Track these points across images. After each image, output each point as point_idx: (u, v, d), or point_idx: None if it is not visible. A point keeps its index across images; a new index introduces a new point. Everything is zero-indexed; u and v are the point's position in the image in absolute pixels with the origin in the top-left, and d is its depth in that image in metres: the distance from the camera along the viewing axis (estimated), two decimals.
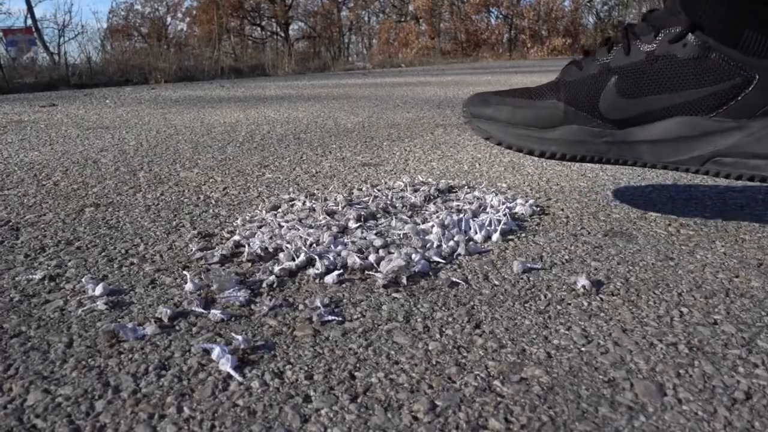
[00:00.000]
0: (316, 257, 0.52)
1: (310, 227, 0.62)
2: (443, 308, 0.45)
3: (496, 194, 0.74)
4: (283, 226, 0.62)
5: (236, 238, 0.59)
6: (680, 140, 0.54)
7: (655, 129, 0.55)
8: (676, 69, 0.53)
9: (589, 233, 0.61)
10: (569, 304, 0.45)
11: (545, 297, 0.47)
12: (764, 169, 0.51)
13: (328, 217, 0.65)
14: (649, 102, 0.55)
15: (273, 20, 19.64)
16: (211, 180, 0.91)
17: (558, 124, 0.59)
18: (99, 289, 0.47)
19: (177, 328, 0.42)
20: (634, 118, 0.56)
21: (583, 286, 0.48)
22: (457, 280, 0.49)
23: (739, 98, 0.51)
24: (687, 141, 0.54)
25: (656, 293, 0.47)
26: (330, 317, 0.43)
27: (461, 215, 0.64)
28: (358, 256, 0.53)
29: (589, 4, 21.02)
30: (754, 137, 0.51)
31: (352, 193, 0.78)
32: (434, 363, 0.37)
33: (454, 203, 0.71)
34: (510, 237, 0.61)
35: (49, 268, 0.54)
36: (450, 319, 0.43)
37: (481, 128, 0.64)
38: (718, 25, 0.52)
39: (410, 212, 0.69)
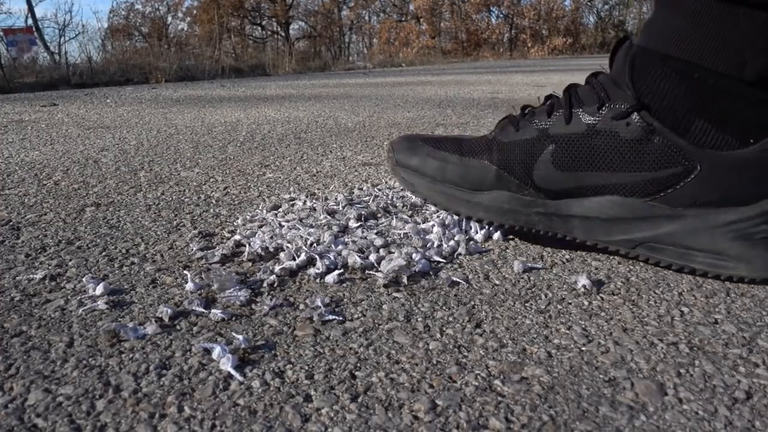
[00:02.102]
0: (317, 257, 0.52)
1: (311, 227, 0.62)
2: (444, 308, 0.45)
3: None
4: (284, 226, 0.62)
5: (237, 237, 0.59)
6: (613, 221, 0.51)
7: (589, 204, 0.52)
8: (617, 148, 0.50)
9: None
10: (570, 303, 0.45)
11: (546, 296, 0.47)
12: (694, 260, 0.49)
13: (328, 217, 0.65)
14: (584, 177, 0.51)
15: (273, 20, 19.64)
16: (211, 179, 0.91)
17: (488, 187, 0.55)
18: (100, 289, 0.47)
19: (178, 327, 0.42)
20: (567, 191, 0.52)
21: (584, 286, 0.48)
22: (458, 280, 0.49)
23: (678, 187, 0.48)
24: (620, 223, 0.51)
25: (657, 292, 0.47)
26: (330, 317, 0.43)
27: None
28: (359, 256, 0.53)
29: (589, 4, 21.01)
30: (688, 228, 0.49)
31: (353, 193, 0.78)
32: (435, 362, 0.37)
33: None
34: (510, 236, 0.61)
35: (50, 267, 0.54)
36: (451, 319, 0.43)
37: (405, 180, 0.59)
38: (668, 109, 0.48)
39: (411, 212, 0.69)
